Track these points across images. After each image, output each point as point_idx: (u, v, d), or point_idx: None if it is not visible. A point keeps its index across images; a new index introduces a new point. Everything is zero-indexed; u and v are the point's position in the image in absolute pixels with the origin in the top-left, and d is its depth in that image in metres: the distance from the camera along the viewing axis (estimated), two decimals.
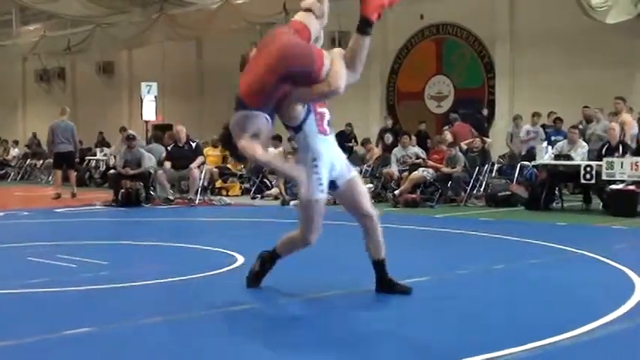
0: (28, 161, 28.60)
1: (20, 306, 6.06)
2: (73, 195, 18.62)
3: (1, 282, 4.06)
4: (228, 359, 4.66)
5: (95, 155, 25.85)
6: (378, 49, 25.48)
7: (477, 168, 16.85)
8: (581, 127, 17.36)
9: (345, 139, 22.26)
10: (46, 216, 14.69)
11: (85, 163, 25.64)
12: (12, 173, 28.50)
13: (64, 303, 6.21)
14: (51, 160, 27.41)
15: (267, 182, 19.62)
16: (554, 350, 4.77)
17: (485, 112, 22.29)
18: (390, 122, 22.13)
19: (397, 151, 18.00)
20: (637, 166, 13.63)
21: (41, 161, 28.04)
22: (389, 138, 20.23)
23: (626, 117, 16.73)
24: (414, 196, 16.15)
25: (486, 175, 17.01)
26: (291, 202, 16.51)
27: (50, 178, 26.65)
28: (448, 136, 18.21)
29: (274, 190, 18.48)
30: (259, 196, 18.81)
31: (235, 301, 6.25)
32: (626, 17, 19.26)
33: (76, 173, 20.81)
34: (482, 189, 16.81)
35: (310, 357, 4.65)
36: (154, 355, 4.70)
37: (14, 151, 31.11)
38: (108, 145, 26.77)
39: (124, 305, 6.07)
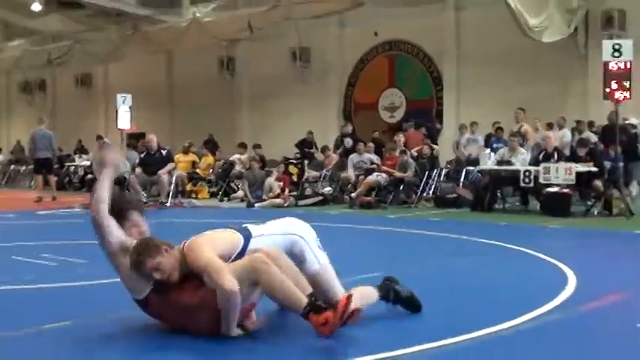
0: (12, 167, 28.27)
1: (5, 301, 6.02)
2: (54, 198, 18.48)
3: None
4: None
5: (74, 161, 25.63)
6: (336, 62, 25.63)
7: (427, 172, 16.98)
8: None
9: (306, 146, 22.33)
10: (30, 218, 14.56)
11: (65, 168, 25.42)
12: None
13: (46, 298, 6.17)
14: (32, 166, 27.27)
15: (234, 186, 19.62)
16: (494, 339, 4.83)
17: (438, 126, 22.48)
18: (350, 128, 22.20)
19: (353, 157, 18.10)
20: (570, 171, 13.80)
21: (24, 167, 27.75)
22: (349, 142, 20.28)
23: (526, 127, 17.22)
24: (368, 198, 16.21)
25: (435, 179, 17.13)
26: (256, 204, 16.54)
27: (32, 182, 26.43)
28: (401, 139, 18.27)
29: (240, 193, 18.49)
30: (226, 198, 18.80)
31: None
32: (560, 36, 19.58)
33: (55, 178, 20.66)
34: (431, 192, 16.93)
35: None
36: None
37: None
38: (86, 152, 26.57)
39: (103, 299, 6.05)
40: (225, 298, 4.61)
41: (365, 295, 5.31)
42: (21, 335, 4.89)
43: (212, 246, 4.88)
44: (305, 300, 4.73)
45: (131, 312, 4.99)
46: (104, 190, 4.99)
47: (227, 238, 5.04)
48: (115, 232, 4.92)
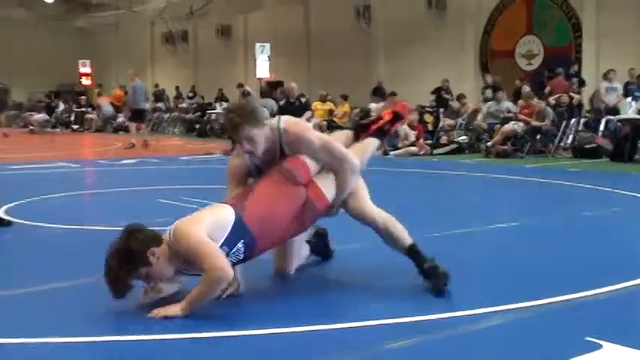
0: (157, 114, 29.13)
1: None
2: (147, 144, 19.13)
3: (135, 220, 4.20)
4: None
5: (215, 109, 26.18)
6: (472, 8, 25.10)
7: (565, 122, 16.52)
8: None
9: (441, 94, 22.10)
10: (172, 163, 15.01)
11: (207, 116, 26.05)
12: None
13: None
14: (176, 114, 28.05)
15: None
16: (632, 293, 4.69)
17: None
18: (490, 79, 21.81)
19: (491, 105, 17.78)
20: None
21: (167, 114, 28.59)
22: (490, 93, 19.94)
23: None
24: (505, 147, 15.93)
25: (573, 128, 16.65)
26: (391, 153, 16.51)
27: (175, 130, 27.26)
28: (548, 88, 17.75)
29: None
30: None
31: (347, 239, 6.30)
32: None
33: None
34: (569, 141, 16.48)
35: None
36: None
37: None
38: (227, 100, 27.11)
39: None
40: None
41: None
42: None
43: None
44: None
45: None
46: None
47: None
48: None
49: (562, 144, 16.34)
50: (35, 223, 7.23)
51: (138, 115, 20.29)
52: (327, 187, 4.65)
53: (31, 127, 28.65)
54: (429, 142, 17.40)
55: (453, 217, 7.66)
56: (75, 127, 29.62)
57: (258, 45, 24.16)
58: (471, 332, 3.87)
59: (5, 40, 40.02)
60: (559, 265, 5.42)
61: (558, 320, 4.06)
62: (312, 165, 4.62)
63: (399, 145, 16.98)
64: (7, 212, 7.61)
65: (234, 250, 4.27)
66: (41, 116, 30.01)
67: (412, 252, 4.73)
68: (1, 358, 3.58)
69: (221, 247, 4.19)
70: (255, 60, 23.99)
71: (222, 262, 4.08)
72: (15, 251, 6.36)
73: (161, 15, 34.47)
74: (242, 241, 4.28)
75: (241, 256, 4.33)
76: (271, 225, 4.41)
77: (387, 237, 4.80)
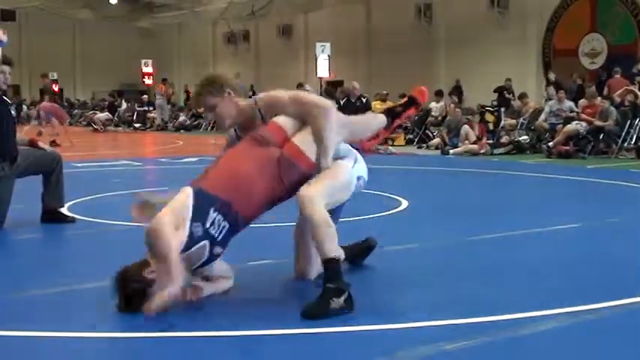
0: None
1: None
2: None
3: None
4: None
5: None
6: (534, 7, 24.82)
7: (629, 122, 16.22)
8: None
9: (503, 93, 21.91)
10: None
11: None
12: (204, 124, 29.28)
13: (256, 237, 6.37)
14: None
15: (430, 133, 19.58)
16: None
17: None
18: (552, 76, 21.55)
19: (552, 104, 17.55)
20: None
21: None
22: (552, 91, 19.68)
23: None
24: (567, 147, 15.73)
25: (638, 128, 16.33)
26: (451, 151, 16.42)
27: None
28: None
29: (435, 140, 18.41)
30: (424, 145, 18.78)
31: (405, 239, 6.30)
32: None
33: None
34: (632, 142, 16.18)
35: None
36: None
37: None
38: None
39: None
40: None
41: None
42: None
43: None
44: None
45: None
46: None
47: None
48: None
49: (625, 145, 16.05)
50: (98, 220, 7.35)
51: None
52: (308, 145, 4.43)
53: (95, 126, 29.12)
54: (490, 141, 17.26)
55: (515, 218, 7.60)
56: (137, 125, 30.04)
57: (318, 44, 24.16)
58: (534, 334, 3.82)
59: (70, 41, 40.86)
60: (622, 267, 5.34)
61: (622, 323, 4.01)
62: (289, 126, 4.49)
63: (460, 144, 16.88)
64: (70, 209, 7.74)
65: (211, 222, 4.17)
66: (104, 115, 30.49)
67: (329, 264, 4.15)
68: (60, 349, 3.68)
69: (193, 226, 4.11)
70: (316, 59, 24.02)
71: None
72: (77, 247, 6.48)
73: (223, 15, 34.75)
74: (212, 208, 4.18)
75: (226, 224, 4.22)
76: (241, 186, 4.28)
77: (315, 238, 4.23)
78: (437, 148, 17.82)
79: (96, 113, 31.14)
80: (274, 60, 34.40)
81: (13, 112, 7.16)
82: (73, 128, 29.26)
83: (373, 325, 3.90)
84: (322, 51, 23.72)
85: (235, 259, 4.66)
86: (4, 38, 6.67)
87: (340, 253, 4.19)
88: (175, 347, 3.69)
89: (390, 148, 17.88)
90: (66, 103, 38.00)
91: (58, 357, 3.62)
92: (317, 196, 4.21)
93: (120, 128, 29.64)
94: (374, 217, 7.51)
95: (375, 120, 5.03)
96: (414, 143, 19.26)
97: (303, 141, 4.44)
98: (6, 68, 7.00)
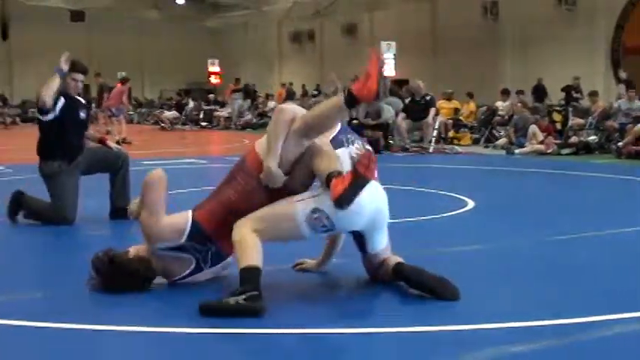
0: None
1: None
2: None
3: None
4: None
5: None
6: (603, 4, 24.40)
7: None
8: None
9: (571, 92, 21.59)
10: None
11: None
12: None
13: None
14: None
15: (496, 132, 19.37)
16: None
17: None
18: (623, 75, 21.17)
19: (622, 104, 17.22)
20: None
21: None
22: (622, 89, 19.33)
23: None
24: (637, 148, 15.41)
25: None
26: (516, 151, 16.22)
27: None
28: None
29: (502, 140, 18.19)
30: (490, 145, 18.58)
31: (471, 240, 6.25)
32: None
33: None
34: None
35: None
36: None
37: (271, 104, 32.20)
38: None
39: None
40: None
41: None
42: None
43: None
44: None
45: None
46: None
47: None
48: None
49: None
50: None
51: None
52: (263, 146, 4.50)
53: (162, 124, 29.48)
54: (558, 141, 16.99)
55: (584, 219, 7.47)
56: (203, 124, 30.32)
57: (384, 43, 24.15)
58: (603, 338, 3.74)
59: (138, 40, 41.44)
60: None
61: None
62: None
63: (527, 144, 16.66)
64: None
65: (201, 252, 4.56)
66: (171, 113, 30.85)
67: (241, 274, 4.13)
68: (121, 343, 3.73)
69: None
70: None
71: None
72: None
73: (288, 14, 34.92)
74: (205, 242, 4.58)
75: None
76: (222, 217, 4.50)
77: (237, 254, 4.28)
78: (503, 147, 17.61)
79: (163, 112, 31.55)
80: (339, 59, 34.40)
81: (82, 115, 7.33)
82: (140, 126, 29.74)
83: (438, 326, 3.87)
84: (388, 50, 23.69)
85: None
86: (65, 68, 6.95)
87: (251, 262, 4.10)
88: (236, 344, 3.71)
89: (456, 147, 17.75)
90: (134, 102, 38.65)
91: (132, 351, 3.67)
92: (240, 223, 4.27)
93: (187, 126, 29.95)
94: (439, 217, 7.45)
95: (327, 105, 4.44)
96: (480, 143, 19.07)
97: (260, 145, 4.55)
98: (79, 76, 7.19)
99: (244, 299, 3.96)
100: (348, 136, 4.58)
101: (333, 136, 4.48)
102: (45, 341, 3.77)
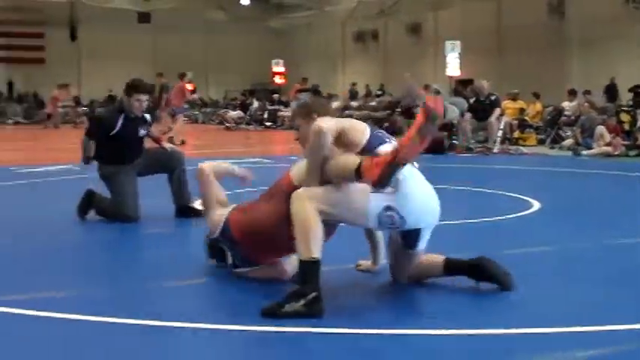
0: (346, 112, 29.44)
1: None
2: None
3: None
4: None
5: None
6: None
7: None
8: None
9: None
10: None
11: (395, 114, 26.07)
12: None
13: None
14: (365, 112, 28.27)
15: (562, 133, 19.11)
16: None
17: None
18: None
19: None
20: None
21: (357, 112, 28.83)
22: None
23: None
24: None
25: None
26: (583, 152, 15.99)
27: None
28: None
29: (568, 141, 17.94)
30: (556, 146, 18.34)
31: (537, 242, 6.19)
32: None
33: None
34: None
35: None
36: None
37: (335, 104, 32.22)
38: None
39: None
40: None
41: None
42: None
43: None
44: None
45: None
46: None
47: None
48: None
49: None
50: None
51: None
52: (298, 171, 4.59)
53: (227, 124, 29.75)
54: (626, 142, 16.69)
55: None
56: (267, 124, 30.51)
57: (448, 42, 24.06)
58: None
59: (203, 41, 41.87)
60: None
61: None
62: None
63: (594, 145, 16.41)
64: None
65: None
66: (236, 113, 31.12)
67: (300, 265, 4.13)
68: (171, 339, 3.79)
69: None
70: (445, 57, 23.88)
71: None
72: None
73: (352, 14, 34.94)
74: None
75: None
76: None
77: (295, 235, 4.18)
78: (569, 148, 17.37)
79: (228, 111, 31.84)
80: (403, 59, 34.29)
81: (142, 132, 7.53)
82: (205, 126, 30.05)
83: (508, 329, 3.85)
84: (452, 49, 23.58)
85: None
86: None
87: (313, 254, 4.06)
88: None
89: (521, 148, 17.56)
90: (199, 102, 39.05)
91: (194, 350, 3.73)
92: (307, 195, 4.15)
93: (251, 126, 30.17)
94: (504, 219, 7.39)
95: (346, 166, 4.25)
96: (546, 143, 18.83)
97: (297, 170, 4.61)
98: (143, 97, 7.34)
99: (303, 305, 3.98)
100: (379, 134, 4.49)
101: (367, 139, 4.36)
102: (113, 337, 3.85)
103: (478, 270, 4.51)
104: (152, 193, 7.53)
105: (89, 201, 7.27)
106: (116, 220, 7.10)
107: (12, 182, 10.84)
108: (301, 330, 3.83)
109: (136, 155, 7.46)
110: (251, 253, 4.72)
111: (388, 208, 4.16)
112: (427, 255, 4.64)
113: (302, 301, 3.97)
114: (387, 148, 4.26)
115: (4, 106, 37.49)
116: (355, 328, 3.85)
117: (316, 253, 4.07)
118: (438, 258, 4.64)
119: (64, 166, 12.40)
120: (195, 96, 20.28)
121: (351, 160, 4.19)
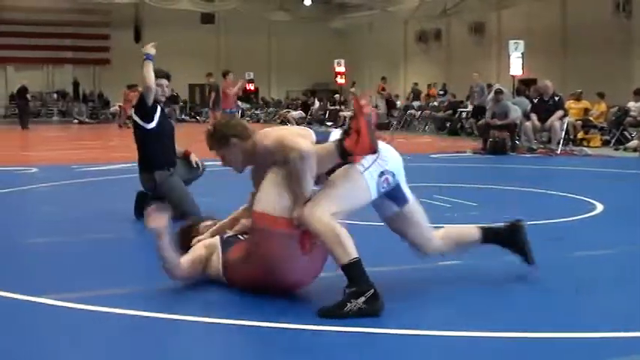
0: (408, 112, 29.40)
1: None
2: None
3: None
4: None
5: (466, 107, 26.04)
6: None
7: None
8: None
9: None
10: (423, 160, 15.11)
11: (457, 114, 25.97)
12: (394, 123, 29.40)
13: None
14: (427, 112, 28.14)
15: (627, 134, 18.79)
16: None
17: None
18: None
19: None
20: None
21: (419, 112, 28.72)
22: None
23: None
24: None
25: None
26: None
27: (426, 127, 27.38)
28: None
29: (634, 143, 17.64)
30: (621, 147, 18.04)
31: (600, 244, 6.13)
32: None
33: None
34: None
35: None
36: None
37: (397, 103, 32.15)
38: None
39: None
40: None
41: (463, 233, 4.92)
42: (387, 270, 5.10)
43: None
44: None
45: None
46: None
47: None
48: None
49: None
50: None
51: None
52: (274, 202, 4.31)
53: (289, 124, 29.89)
54: None
55: None
56: (329, 123, 30.58)
57: (511, 42, 23.74)
58: None
59: (265, 41, 42.18)
60: None
61: None
62: (270, 205, 4.31)
63: None
64: None
65: None
66: (297, 113, 31.30)
67: (345, 270, 4.13)
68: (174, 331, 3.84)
69: None
70: (509, 57, 23.63)
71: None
72: None
73: (414, 14, 34.81)
74: None
75: None
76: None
77: (325, 247, 4.24)
78: (635, 150, 17.07)
79: (289, 111, 32.04)
80: (465, 58, 34.05)
81: (172, 121, 7.66)
82: (267, 125, 30.08)
83: (568, 332, 3.84)
84: (515, 49, 23.30)
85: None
86: (152, 51, 7.36)
87: (352, 255, 4.09)
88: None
89: (585, 149, 17.33)
90: (261, 102, 39.34)
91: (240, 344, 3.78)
92: (313, 210, 4.15)
93: (312, 126, 30.28)
94: (567, 221, 7.32)
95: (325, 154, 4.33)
96: (611, 144, 18.53)
97: (272, 199, 4.32)
98: (164, 82, 7.47)
99: (364, 302, 4.02)
100: (322, 132, 4.69)
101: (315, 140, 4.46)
102: (156, 332, 3.97)
103: (515, 234, 4.77)
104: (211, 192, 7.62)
105: (143, 200, 7.34)
106: (176, 219, 7.17)
107: (70, 181, 11.16)
108: (358, 330, 3.87)
109: (173, 153, 7.54)
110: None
111: (381, 173, 4.35)
112: (459, 226, 4.96)
113: (362, 299, 4.01)
114: (337, 133, 4.44)
115: (70, 106, 38.35)
116: (404, 329, 3.88)
117: (354, 253, 4.12)
118: (472, 227, 4.90)
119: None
120: (235, 89, 20.31)
121: (327, 146, 4.30)
